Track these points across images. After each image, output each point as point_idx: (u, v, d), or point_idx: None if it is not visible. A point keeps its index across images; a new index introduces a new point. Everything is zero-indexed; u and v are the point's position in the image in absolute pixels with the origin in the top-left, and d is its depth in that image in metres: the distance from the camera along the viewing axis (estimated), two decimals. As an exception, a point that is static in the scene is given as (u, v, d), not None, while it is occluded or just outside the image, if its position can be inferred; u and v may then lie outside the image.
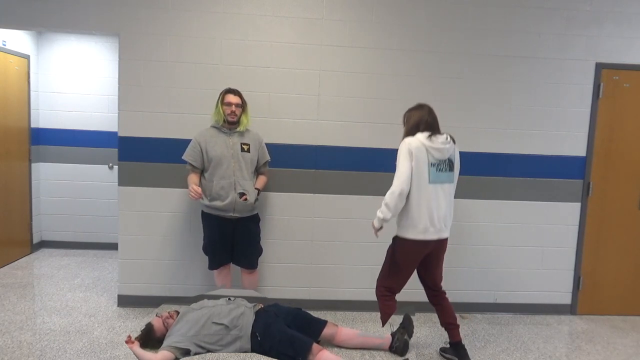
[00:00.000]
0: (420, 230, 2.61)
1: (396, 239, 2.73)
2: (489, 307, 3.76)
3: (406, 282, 2.77)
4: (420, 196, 2.58)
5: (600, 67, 3.59)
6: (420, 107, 2.73)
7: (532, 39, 3.54)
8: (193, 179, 3.06)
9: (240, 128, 3.09)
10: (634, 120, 3.67)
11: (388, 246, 2.81)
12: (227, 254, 3.18)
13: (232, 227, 3.11)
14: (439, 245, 2.74)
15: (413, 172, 2.56)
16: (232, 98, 3.06)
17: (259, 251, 3.28)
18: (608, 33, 3.58)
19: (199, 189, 2.94)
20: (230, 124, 3.08)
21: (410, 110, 2.76)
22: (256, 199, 3.12)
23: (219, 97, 3.11)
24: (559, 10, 3.53)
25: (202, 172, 3.11)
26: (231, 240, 3.14)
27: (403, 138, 2.69)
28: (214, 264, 3.19)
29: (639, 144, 3.69)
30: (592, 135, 3.64)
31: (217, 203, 3.01)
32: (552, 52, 3.56)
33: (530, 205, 3.67)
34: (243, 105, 3.11)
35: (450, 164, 2.69)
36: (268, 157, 3.26)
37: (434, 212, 2.61)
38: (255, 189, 3.14)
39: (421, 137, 2.60)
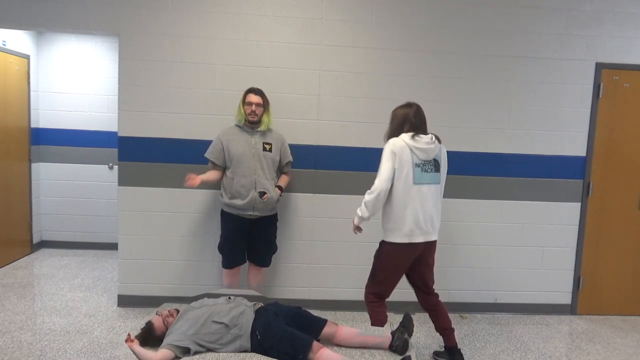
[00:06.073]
0: (405, 233, 2.54)
1: (383, 244, 2.66)
2: (489, 307, 3.76)
3: (394, 287, 2.70)
4: (405, 198, 2.52)
5: (600, 67, 3.59)
6: (408, 106, 2.63)
7: (532, 39, 3.54)
8: (209, 173, 3.05)
9: (262, 127, 3.10)
10: (634, 120, 3.67)
11: (375, 251, 2.73)
12: (243, 254, 3.20)
13: (250, 227, 3.11)
14: (427, 248, 2.67)
15: (396, 174, 2.49)
16: (252, 98, 3.07)
17: (273, 249, 3.31)
18: (608, 33, 3.58)
19: (197, 179, 2.88)
20: (251, 123, 3.08)
21: (396, 109, 2.66)
22: (278, 198, 3.11)
23: (242, 97, 3.12)
24: (559, 10, 3.53)
25: (224, 170, 3.11)
26: (247, 239, 3.16)
27: (386, 139, 2.61)
28: (228, 264, 3.19)
29: (639, 144, 3.69)
30: (592, 135, 3.64)
31: (237, 202, 3.01)
32: (552, 52, 3.56)
33: (530, 205, 3.67)
34: (265, 105, 3.12)
35: (436, 164, 2.60)
36: (290, 158, 3.27)
37: (420, 214, 2.54)
38: (277, 186, 3.14)
39: (405, 137, 2.53)
